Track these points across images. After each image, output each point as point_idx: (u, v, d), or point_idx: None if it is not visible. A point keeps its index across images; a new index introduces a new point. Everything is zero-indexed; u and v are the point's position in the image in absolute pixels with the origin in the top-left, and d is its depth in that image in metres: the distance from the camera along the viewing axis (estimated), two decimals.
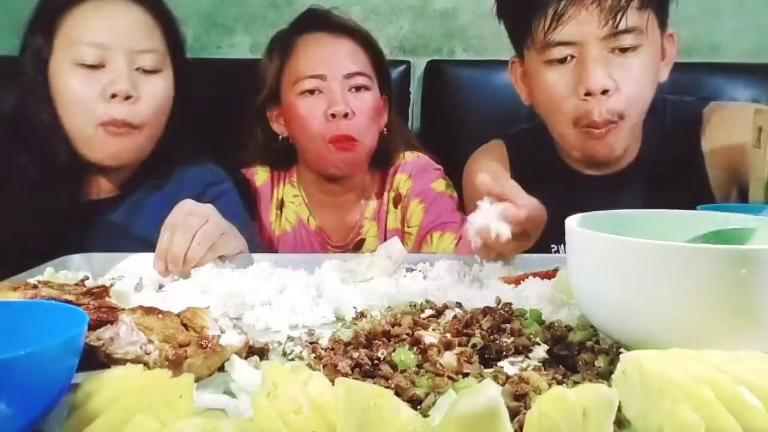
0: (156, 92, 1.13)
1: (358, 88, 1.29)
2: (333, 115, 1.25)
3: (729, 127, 1.14)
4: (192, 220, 0.86)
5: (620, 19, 1.02)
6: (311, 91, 1.27)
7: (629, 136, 1.12)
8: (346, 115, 1.25)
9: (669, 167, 1.18)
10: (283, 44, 1.32)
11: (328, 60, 1.28)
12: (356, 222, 1.39)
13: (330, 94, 1.26)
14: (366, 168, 1.37)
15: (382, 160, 1.38)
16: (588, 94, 1.05)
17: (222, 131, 1.35)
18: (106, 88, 1.07)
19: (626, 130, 1.10)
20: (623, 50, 1.05)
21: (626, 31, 1.04)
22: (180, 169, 1.21)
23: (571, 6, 1.04)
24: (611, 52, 1.05)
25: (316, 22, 1.33)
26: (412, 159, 1.40)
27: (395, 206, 1.39)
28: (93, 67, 1.08)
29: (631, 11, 1.03)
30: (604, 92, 1.05)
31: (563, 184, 1.23)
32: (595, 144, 1.10)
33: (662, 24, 1.11)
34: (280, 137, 1.35)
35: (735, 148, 1.11)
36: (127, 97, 1.08)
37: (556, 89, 1.09)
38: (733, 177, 1.14)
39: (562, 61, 1.07)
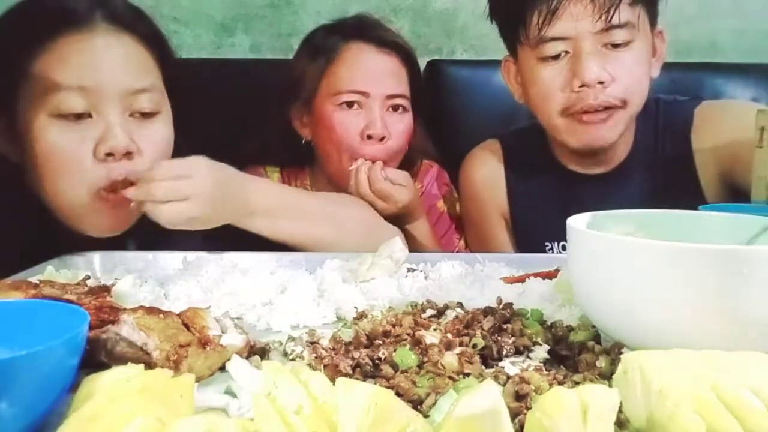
0: (156, 139, 0.94)
1: (395, 108, 1.28)
2: (369, 136, 1.24)
3: (719, 125, 1.15)
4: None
5: (613, 14, 1.04)
6: (350, 104, 1.25)
7: (626, 125, 1.13)
8: (381, 139, 1.25)
9: (662, 166, 1.19)
10: (327, 48, 1.29)
11: (373, 77, 1.26)
12: None
13: (369, 113, 1.24)
14: None
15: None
16: (583, 86, 1.06)
17: (222, 131, 1.35)
18: (99, 145, 0.88)
19: (626, 116, 1.11)
20: (616, 45, 1.07)
21: (619, 26, 1.05)
22: None
23: (565, 1, 1.05)
24: (604, 47, 1.06)
25: (365, 31, 1.30)
26: (425, 168, 1.40)
27: None
28: (77, 118, 0.88)
29: (623, 6, 1.05)
30: (600, 83, 1.06)
31: (558, 183, 1.24)
32: (590, 130, 1.10)
33: (652, 20, 1.12)
34: (304, 140, 1.33)
35: (725, 146, 1.12)
36: (126, 153, 0.89)
37: (550, 84, 1.10)
38: (725, 175, 1.14)
39: (556, 57, 1.09)
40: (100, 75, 0.89)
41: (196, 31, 1.84)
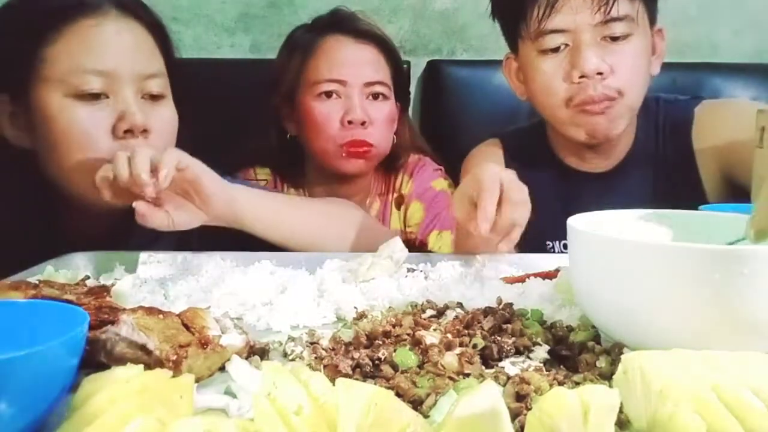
0: (165, 121, 0.99)
1: (375, 96, 1.29)
2: (350, 122, 1.25)
3: (719, 123, 1.15)
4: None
5: (612, 6, 1.04)
6: (328, 94, 1.27)
7: (628, 118, 1.13)
8: (362, 123, 1.26)
9: (662, 165, 1.19)
10: (305, 43, 1.31)
11: (351, 66, 1.28)
12: None
13: (348, 101, 1.26)
14: (373, 169, 1.38)
15: (388, 164, 1.39)
16: (582, 77, 1.07)
17: (221, 132, 1.35)
18: (119, 123, 0.92)
19: (626, 108, 1.11)
20: (615, 39, 1.08)
21: (618, 18, 1.06)
22: None
23: None
24: (603, 40, 1.07)
25: (341, 24, 1.32)
26: (413, 160, 1.41)
27: (397, 208, 1.39)
28: (94, 98, 0.92)
29: (622, 0, 1.05)
30: (599, 74, 1.07)
31: (558, 182, 1.24)
32: (593, 120, 1.10)
33: (651, 17, 1.13)
34: (289, 135, 1.35)
35: (726, 145, 1.12)
36: (143, 131, 0.94)
37: (551, 77, 1.11)
38: (726, 174, 1.14)
39: (556, 50, 1.10)
40: (115, 58, 0.93)
41: (196, 31, 1.84)
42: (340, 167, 1.30)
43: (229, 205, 0.92)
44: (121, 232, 1.01)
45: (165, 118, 0.99)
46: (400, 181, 1.40)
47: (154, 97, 0.98)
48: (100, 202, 0.93)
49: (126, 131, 0.92)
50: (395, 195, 1.40)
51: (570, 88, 1.09)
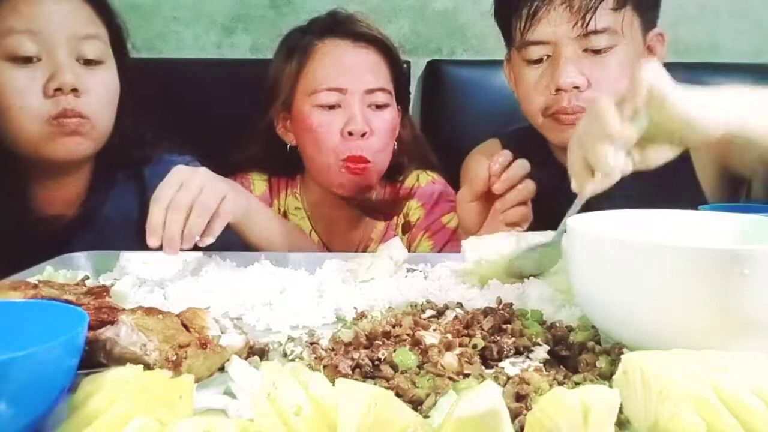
0: (101, 84, 1.04)
1: (378, 106, 1.22)
2: (350, 133, 1.18)
3: None
4: (183, 196, 0.82)
5: (589, 20, 1.04)
6: (330, 107, 1.20)
7: None
8: (363, 134, 1.19)
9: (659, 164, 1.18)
10: (301, 47, 1.24)
11: (349, 72, 1.20)
12: (361, 241, 1.32)
13: (348, 110, 1.19)
14: (375, 188, 1.30)
15: (391, 174, 1.32)
16: (558, 90, 1.07)
17: (219, 133, 1.34)
18: (48, 82, 0.98)
19: None
20: (596, 51, 1.06)
21: (598, 31, 1.05)
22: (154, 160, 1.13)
23: (543, 6, 1.06)
24: (585, 52, 1.07)
25: (338, 26, 1.25)
26: (426, 184, 1.33)
27: (403, 233, 1.32)
28: (28, 60, 0.98)
29: (604, 12, 1.04)
30: (576, 88, 1.06)
31: (557, 183, 1.23)
32: (567, 129, 1.10)
33: (648, 24, 1.11)
34: (288, 146, 1.28)
35: (719, 141, 1.11)
36: (73, 90, 0.99)
37: (532, 87, 1.11)
38: (720, 168, 1.14)
39: (539, 61, 1.10)
40: (49, 19, 1.00)
41: (196, 31, 1.84)
42: (333, 186, 1.24)
43: (241, 214, 0.96)
44: (93, 202, 1.09)
45: (101, 82, 1.04)
46: (409, 207, 1.32)
47: (91, 63, 1.03)
48: (53, 157, 1.01)
49: (56, 90, 0.98)
50: (403, 221, 1.32)
51: (547, 99, 1.09)
